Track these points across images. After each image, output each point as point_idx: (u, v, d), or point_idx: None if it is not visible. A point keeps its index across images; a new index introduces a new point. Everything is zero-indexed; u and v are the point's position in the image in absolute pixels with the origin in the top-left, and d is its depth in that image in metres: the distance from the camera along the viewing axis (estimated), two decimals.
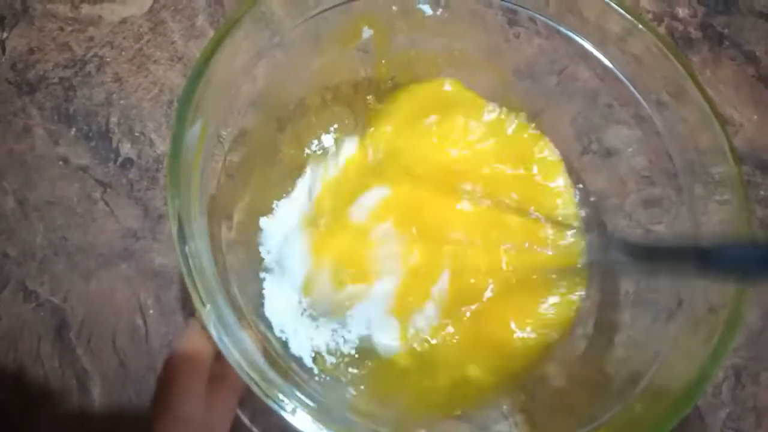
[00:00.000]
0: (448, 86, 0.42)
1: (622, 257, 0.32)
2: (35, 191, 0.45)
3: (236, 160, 0.36)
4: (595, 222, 0.40)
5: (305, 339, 0.36)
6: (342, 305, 0.36)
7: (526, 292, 0.37)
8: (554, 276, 0.37)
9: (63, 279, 0.43)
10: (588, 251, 0.38)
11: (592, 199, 0.40)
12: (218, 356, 0.31)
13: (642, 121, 0.35)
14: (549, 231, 0.38)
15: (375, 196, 0.38)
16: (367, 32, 0.39)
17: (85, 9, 0.50)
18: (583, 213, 0.40)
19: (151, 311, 0.42)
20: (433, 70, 0.42)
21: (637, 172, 0.38)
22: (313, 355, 0.36)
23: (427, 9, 0.39)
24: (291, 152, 0.42)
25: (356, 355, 0.37)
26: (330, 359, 0.36)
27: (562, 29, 0.36)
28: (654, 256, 0.30)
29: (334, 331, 0.37)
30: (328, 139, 0.42)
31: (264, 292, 0.37)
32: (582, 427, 0.30)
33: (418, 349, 0.36)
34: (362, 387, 0.36)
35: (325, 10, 0.36)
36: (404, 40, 0.41)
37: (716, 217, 0.31)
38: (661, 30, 0.51)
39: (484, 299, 0.36)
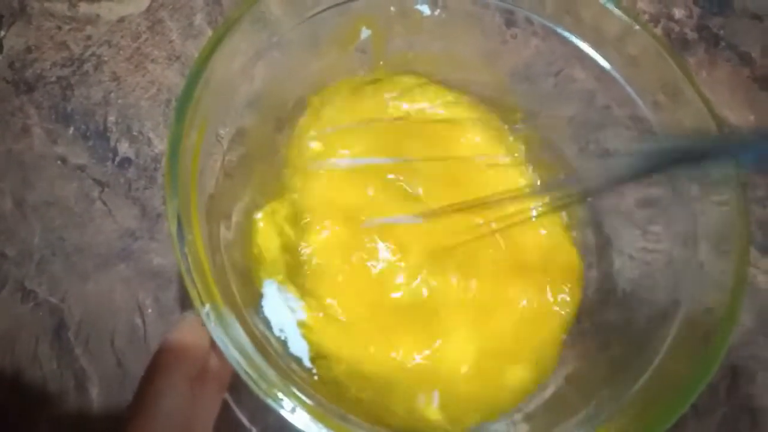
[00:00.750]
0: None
1: (622, 171, 0.29)
2: (33, 191, 0.45)
3: (235, 159, 0.35)
4: (593, 222, 0.40)
5: (304, 338, 0.36)
6: None
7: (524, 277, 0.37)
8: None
9: (61, 279, 0.43)
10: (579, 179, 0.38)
11: (588, 199, 0.40)
12: (210, 350, 0.31)
13: (639, 122, 0.36)
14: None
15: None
16: (365, 33, 0.39)
17: (83, 8, 0.50)
18: (580, 213, 0.40)
19: (150, 311, 0.42)
20: (432, 71, 0.42)
21: None
22: (312, 354, 0.36)
23: (426, 9, 0.39)
24: None
25: None
26: None
27: (559, 30, 0.36)
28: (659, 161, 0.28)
29: None
30: None
31: (263, 291, 0.37)
32: (579, 426, 0.30)
33: None
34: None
35: (324, 10, 0.36)
36: (402, 42, 0.41)
37: (714, 218, 0.32)
38: (658, 31, 0.51)
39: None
